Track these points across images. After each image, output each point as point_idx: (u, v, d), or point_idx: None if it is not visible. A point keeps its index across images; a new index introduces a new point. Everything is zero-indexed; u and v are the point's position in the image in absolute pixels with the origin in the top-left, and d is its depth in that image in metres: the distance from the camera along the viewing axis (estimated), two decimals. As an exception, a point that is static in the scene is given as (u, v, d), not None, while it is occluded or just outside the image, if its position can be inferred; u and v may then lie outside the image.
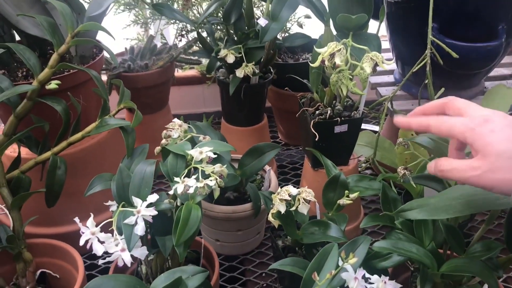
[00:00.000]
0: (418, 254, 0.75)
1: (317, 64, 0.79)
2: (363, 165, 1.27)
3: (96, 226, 0.72)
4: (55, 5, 0.89)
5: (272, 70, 1.28)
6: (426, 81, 0.98)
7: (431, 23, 0.96)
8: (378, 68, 0.80)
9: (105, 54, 1.19)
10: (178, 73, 1.67)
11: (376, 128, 1.58)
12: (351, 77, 0.79)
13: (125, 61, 1.29)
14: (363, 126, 1.59)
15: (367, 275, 0.69)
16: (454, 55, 0.94)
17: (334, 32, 0.96)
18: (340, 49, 0.76)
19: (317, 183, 1.12)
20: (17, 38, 1.11)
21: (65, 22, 0.88)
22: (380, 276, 0.70)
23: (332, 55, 0.77)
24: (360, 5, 0.92)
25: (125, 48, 1.36)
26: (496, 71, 1.34)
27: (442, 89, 1.02)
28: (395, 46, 1.25)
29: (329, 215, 0.92)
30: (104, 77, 1.42)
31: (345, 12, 0.90)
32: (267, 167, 1.12)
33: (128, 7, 1.40)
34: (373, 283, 0.69)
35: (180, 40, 1.48)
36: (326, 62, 0.77)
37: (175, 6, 1.46)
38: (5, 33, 1.07)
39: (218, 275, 0.92)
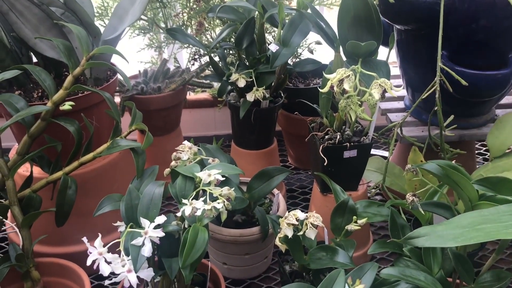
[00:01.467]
0: (426, 282, 0.74)
1: (326, 89, 0.80)
2: (373, 190, 1.27)
3: (105, 246, 0.72)
4: (71, 29, 0.92)
5: (282, 95, 1.30)
6: (436, 108, 0.98)
7: (441, 51, 0.97)
8: (387, 95, 0.81)
9: (119, 76, 1.21)
10: (190, 96, 1.69)
11: (386, 153, 1.57)
12: (359, 103, 0.79)
13: (139, 84, 1.32)
14: (373, 151, 1.59)
15: (374, 303, 0.68)
16: (464, 82, 0.94)
17: (344, 58, 0.97)
18: (349, 75, 0.77)
19: (325, 208, 1.12)
20: (34, 59, 1.15)
21: (80, 45, 0.90)
22: (387, 304, 0.69)
23: (341, 81, 0.78)
24: (370, 32, 0.93)
25: (139, 71, 1.39)
26: (507, 99, 1.34)
27: (452, 117, 1.02)
28: (405, 73, 1.25)
29: (337, 240, 0.91)
30: (117, 99, 1.45)
31: (355, 39, 0.92)
32: (276, 191, 1.12)
33: (142, 31, 1.43)
34: (380, 311, 0.69)
35: (193, 64, 1.51)
36: (335, 88, 0.78)
37: (189, 30, 1.49)
38: (23, 55, 1.10)
39: (225, 299, 0.91)
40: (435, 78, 0.96)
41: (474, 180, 0.76)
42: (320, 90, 0.84)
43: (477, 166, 1.43)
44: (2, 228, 0.94)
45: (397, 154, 1.38)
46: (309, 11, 1.06)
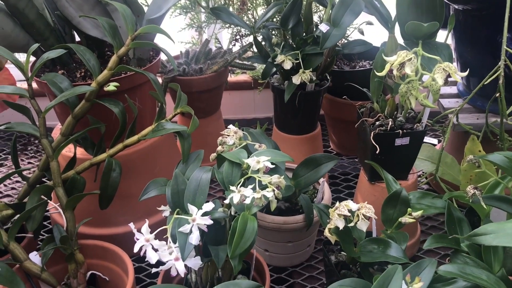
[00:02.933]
0: (489, 281, 0.69)
1: (384, 72, 0.75)
2: (423, 180, 1.21)
3: (153, 225, 0.70)
4: (116, 7, 0.89)
5: (328, 78, 1.25)
6: (498, 95, 0.92)
7: (506, 33, 0.90)
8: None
9: (161, 57, 1.18)
10: (230, 78, 1.65)
11: (434, 141, 1.51)
12: (421, 88, 0.74)
13: (180, 65, 1.29)
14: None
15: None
16: (531, 67, 0.87)
17: (399, 40, 0.91)
18: (411, 58, 0.72)
19: (373, 197, 1.08)
20: (77, 38, 1.13)
21: (126, 24, 0.87)
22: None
23: (401, 65, 0.72)
24: (431, 12, 0.86)
25: (180, 52, 1.36)
26: None
27: (514, 105, 0.95)
28: (461, 56, 1.18)
29: (388, 232, 0.87)
30: (159, 80, 1.43)
31: (415, 17, 0.85)
32: (321, 179, 1.08)
33: (184, 10, 1.39)
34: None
35: (234, 45, 1.47)
36: (395, 72, 0.73)
37: (230, 9, 1.44)
38: (66, 33, 1.08)
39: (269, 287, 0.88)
40: (499, 63, 0.89)
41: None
42: (376, 73, 0.79)
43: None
44: (47, 209, 0.93)
45: (449, 142, 1.31)
46: (362, -11, 1.00)
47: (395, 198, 0.87)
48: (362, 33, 1.18)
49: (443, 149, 1.00)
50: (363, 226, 0.79)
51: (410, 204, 0.88)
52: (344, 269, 0.91)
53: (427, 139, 1.54)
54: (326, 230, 0.81)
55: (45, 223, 1.27)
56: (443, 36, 1.06)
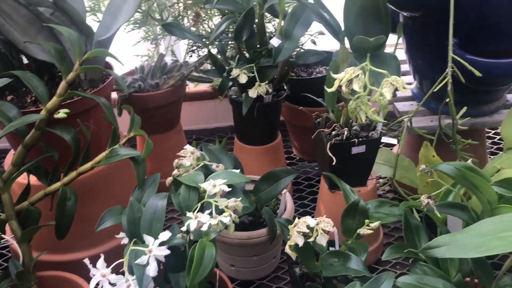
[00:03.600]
0: (445, 290, 0.71)
1: (333, 89, 0.76)
2: (383, 185, 1.23)
3: (107, 254, 0.69)
4: (62, 32, 0.87)
5: (285, 87, 1.25)
6: (448, 100, 0.94)
7: (452, 39, 0.92)
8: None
9: (118, 68, 1.16)
10: (190, 88, 1.64)
11: (394, 140, 1.53)
12: (370, 103, 0.75)
13: (136, 81, 1.27)
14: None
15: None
16: (477, 73, 0.89)
17: (350, 50, 0.92)
18: (358, 75, 0.73)
19: (334, 205, 1.09)
20: (26, 60, 1.10)
21: (73, 49, 0.85)
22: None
23: (349, 81, 0.73)
24: (378, 24, 0.88)
25: (135, 67, 1.34)
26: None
27: (464, 109, 0.98)
28: (412, 59, 1.20)
29: (348, 243, 0.88)
30: (116, 95, 1.40)
31: (362, 30, 0.87)
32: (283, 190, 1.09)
33: (137, 25, 1.37)
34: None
35: (191, 56, 1.46)
36: (344, 88, 0.74)
37: (185, 21, 1.43)
38: (13, 57, 1.05)
39: (234, 305, 0.88)
40: (447, 69, 0.91)
41: (493, 182, 0.72)
42: (327, 89, 0.80)
43: (487, 152, 1.40)
44: (2, 241, 0.90)
45: (406, 143, 1.34)
46: (311, 0, 1.00)
47: (353, 209, 0.89)
48: (314, 43, 1.19)
49: (398, 155, 1.02)
50: (322, 240, 0.80)
51: (369, 214, 0.89)
52: (309, 281, 0.92)
53: (386, 139, 1.57)
54: (287, 247, 0.81)
55: (4, 251, 1.24)
56: (395, 39, 1.08)
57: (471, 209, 0.78)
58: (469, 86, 0.99)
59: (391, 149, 1.51)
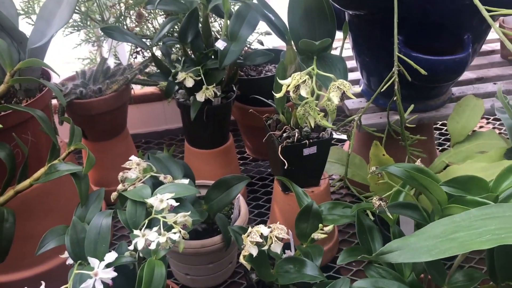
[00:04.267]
0: (400, 292, 0.71)
1: (281, 95, 0.74)
2: (337, 184, 1.24)
3: (53, 271, 0.65)
4: (-11, 41, 0.81)
5: (235, 88, 1.22)
6: (395, 98, 0.94)
7: (397, 37, 0.92)
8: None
9: (55, 77, 1.09)
10: (136, 91, 1.58)
11: (343, 137, 1.54)
12: (318, 109, 0.74)
13: (77, 87, 1.21)
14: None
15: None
16: (423, 72, 0.90)
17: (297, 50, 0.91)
18: (305, 80, 0.71)
19: (288, 206, 1.08)
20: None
21: (2, 60, 0.79)
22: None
23: (297, 87, 0.71)
24: (323, 22, 0.87)
25: (76, 72, 1.27)
26: (462, 75, 1.32)
27: (412, 106, 0.99)
28: (359, 56, 1.20)
29: (303, 247, 0.87)
30: (55, 101, 1.33)
31: (307, 32, 0.85)
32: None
33: (76, 28, 1.30)
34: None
35: (135, 57, 1.40)
36: (291, 94, 0.72)
37: (128, 21, 1.37)
38: None
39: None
40: (393, 69, 0.91)
41: (442, 182, 0.72)
42: (275, 94, 0.78)
43: (436, 147, 1.43)
44: None
45: (357, 140, 1.34)
46: (255, 1, 0.98)
47: (306, 213, 0.88)
48: (261, 43, 1.17)
49: (349, 154, 1.02)
50: (277, 248, 0.78)
51: (322, 216, 0.89)
52: (265, 287, 0.90)
53: (336, 135, 1.57)
54: (241, 257, 0.79)
55: None
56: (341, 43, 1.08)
57: (422, 209, 0.79)
58: (415, 83, 1.00)
59: (343, 145, 1.52)
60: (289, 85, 0.72)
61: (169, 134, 1.65)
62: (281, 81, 0.73)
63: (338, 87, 0.72)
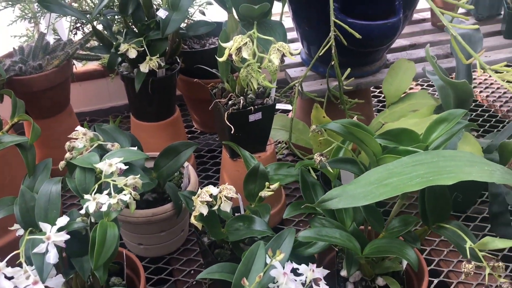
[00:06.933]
0: (342, 239, 0.77)
1: (224, 58, 0.76)
2: (282, 149, 1.28)
3: (3, 248, 0.65)
4: None
5: (179, 60, 1.23)
6: (333, 63, 0.99)
7: (333, 4, 0.97)
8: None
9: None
10: (79, 68, 1.55)
11: (289, 107, 1.59)
12: (260, 70, 0.77)
13: (15, 63, 1.18)
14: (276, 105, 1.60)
15: (295, 265, 0.69)
16: (357, 35, 0.95)
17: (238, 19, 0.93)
18: (246, 42, 0.74)
19: (237, 172, 1.11)
20: None
21: None
22: (307, 264, 0.70)
23: (239, 49, 0.74)
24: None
25: (14, 49, 1.24)
26: (396, 43, 1.39)
27: (349, 70, 1.04)
28: (299, 26, 1.24)
29: (252, 207, 0.91)
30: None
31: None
32: (185, 163, 1.09)
33: (9, 3, 1.26)
34: (301, 274, 0.69)
35: (75, 34, 1.38)
36: (234, 57, 0.75)
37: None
38: None
39: (145, 281, 0.88)
40: (330, 34, 0.96)
41: (377, 135, 0.78)
42: (218, 59, 0.80)
43: (374, 110, 1.50)
44: None
45: (299, 109, 1.39)
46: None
47: (254, 174, 0.91)
48: (203, 13, 1.18)
49: (292, 119, 1.06)
50: (226, 207, 0.82)
51: (269, 176, 0.93)
52: (218, 248, 0.94)
53: (281, 105, 1.62)
54: (192, 218, 0.82)
55: None
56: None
57: (360, 163, 0.84)
58: (351, 48, 1.05)
59: (287, 115, 1.57)
60: (231, 48, 0.74)
61: (114, 111, 1.64)
62: (223, 44, 0.75)
63: (278, 49, 0.76)
